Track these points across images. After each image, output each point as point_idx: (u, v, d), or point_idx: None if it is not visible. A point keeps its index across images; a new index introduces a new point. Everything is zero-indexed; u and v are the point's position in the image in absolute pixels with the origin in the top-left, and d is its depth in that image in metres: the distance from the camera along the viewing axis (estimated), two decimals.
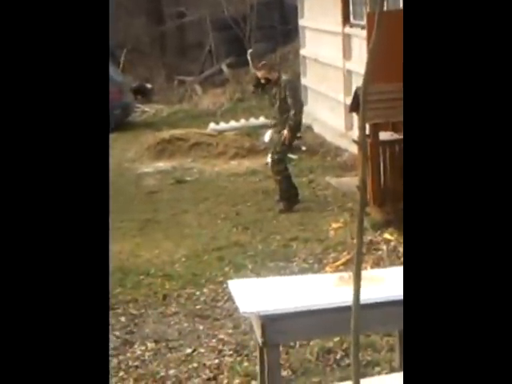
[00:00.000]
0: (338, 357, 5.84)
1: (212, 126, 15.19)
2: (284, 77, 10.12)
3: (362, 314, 3.19)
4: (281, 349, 5.33)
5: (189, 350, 6.26)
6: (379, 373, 5.59)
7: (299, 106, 10.10)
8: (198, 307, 7.10)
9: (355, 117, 10.95)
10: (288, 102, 9.86)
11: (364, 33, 10.97)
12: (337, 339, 5.92)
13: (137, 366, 6.09)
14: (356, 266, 2.77)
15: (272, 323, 4.51)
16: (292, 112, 9.86)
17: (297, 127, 10.07)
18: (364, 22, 11.16)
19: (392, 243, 8.17)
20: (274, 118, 10.22)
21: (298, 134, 11.25)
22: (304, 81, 15.65)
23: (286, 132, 9.89)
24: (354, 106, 8.68)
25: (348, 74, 12.84)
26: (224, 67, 20.91)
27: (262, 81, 10.20)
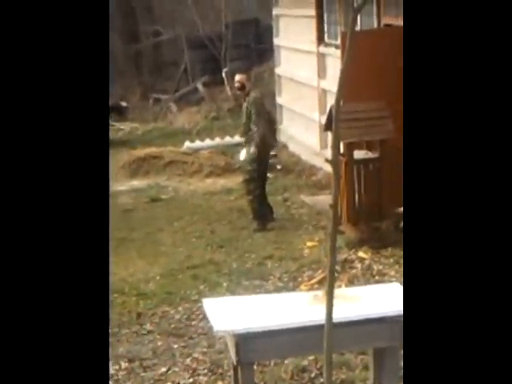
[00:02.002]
0: (313, 375, 5.84)
1: (187, 144, 15.19)
2: (253, 93, 10.13)
3: (336, 332, 3.20)
4: (255, 367, 5.32)
5: (163, 369, 6.23)
6: None
7: (262, 122, 9.99)
8: (172, 326, 7.07)
9: (330, 135, 10.99)
10: (253, 118, 9.88)
11: (338, 52, 11.04)
12: (311, 357, 5.91)
13: None
14: (328, 285, 2.79)
15: (246, 342, 4.51)
16: (255, 129, 9.86)
17: (263, 144, 9.96)
18: (338, 42, 11.23)
19: (366, 261, 8.20)
20: (242, 135, 10.25)
21: (273, 152, 11.27)
22: (279, 100, 15.70)
23: (252, 149, 9.90)
24: (329, 125, 8.72)
25: (323, 92, 12.90)
26: (199, 86, 20.92)
27: (237, 84, 10.23)
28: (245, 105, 10.11)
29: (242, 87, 10.16)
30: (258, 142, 9.85)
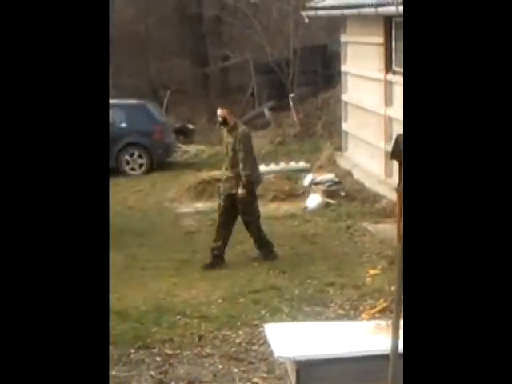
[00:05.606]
0: None
1: None
2: (240, 128, 9.76)
3: (399, 363, 3.19)
4: None
5: None
6: None
7: (249, 160, 9.62)
8: (233, 349, 7.09)
9: (395, 164, 10.94)
10: (240, 155, 9.52)
11: None
12: None
13: None
14: (395, 316, 2.79)
15: (307, 369, 4.51)
16: (241, 166, 9.51)
17: (249, 182, 9.60)
18: None
19: None
20: (226, 169, 9.85)
21: (336, 179, 11.22)
22: (345, 126, 15.72)
23: (240, 190, 9.57)
24: (395, 154, 8.68)
25: (389, 120, 12.88)
26: (266, 110, 21.04)
27: (219, 119, 9.78)
28: (230, 140, 9.65)
29: (225, 122, 9.73)
30: (244, 183, 9.54)
